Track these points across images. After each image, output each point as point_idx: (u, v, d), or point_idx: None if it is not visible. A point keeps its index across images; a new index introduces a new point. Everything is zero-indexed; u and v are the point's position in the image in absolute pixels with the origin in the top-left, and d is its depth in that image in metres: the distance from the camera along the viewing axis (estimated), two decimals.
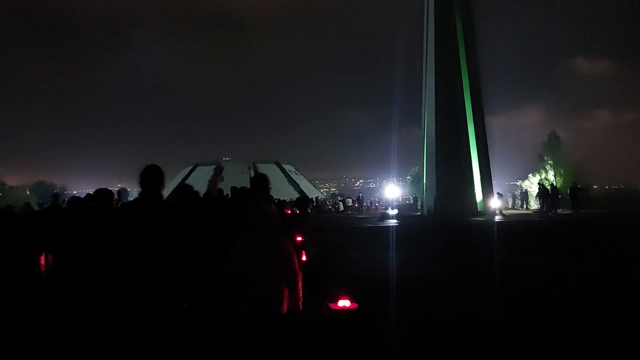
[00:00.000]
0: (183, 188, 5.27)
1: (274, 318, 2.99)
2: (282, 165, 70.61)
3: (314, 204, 37.60)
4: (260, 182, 4.82)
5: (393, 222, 23.48)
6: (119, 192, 6.77)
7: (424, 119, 29.03)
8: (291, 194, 47.83)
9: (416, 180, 64.24)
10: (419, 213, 30.94)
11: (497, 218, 24.56)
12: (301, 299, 3.46)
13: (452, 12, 27.47)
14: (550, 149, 44.98)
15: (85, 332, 2.66)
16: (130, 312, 2.54)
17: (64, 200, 9.79)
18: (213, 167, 72.09)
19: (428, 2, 28.52)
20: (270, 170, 66.32)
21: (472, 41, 27.77)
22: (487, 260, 9.28)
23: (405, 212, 32.76)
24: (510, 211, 32.59)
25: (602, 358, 4.08)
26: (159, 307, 2.62)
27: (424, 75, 29.27)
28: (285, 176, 65.98)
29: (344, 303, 3.65)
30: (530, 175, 46.61)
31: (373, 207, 45.42)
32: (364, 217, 29.62)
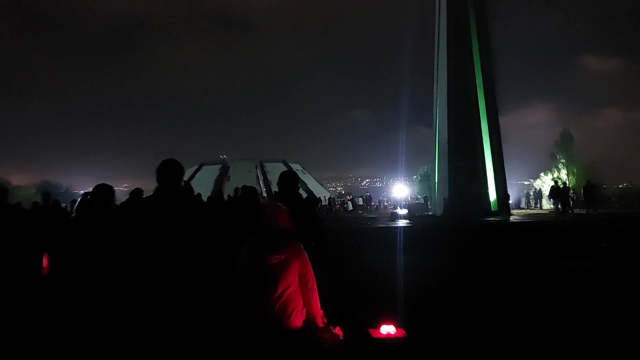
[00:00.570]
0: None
1: (283, 334, 2.75)
2: (290, 164, 69.89)
3: (322, 203, 36.94)
4: (288, 180, 4.32)
5: (405, 222, 22.77)
6: (134, 192, 6.21)
7: (436, 116, 28.28)
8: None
9: (425, 179, 63.61)
10: (430, 213, 30.20)
11: (513, 218, 23.83)
12: (321, 313, 2.99)
13: (465, 6, 26.71)
14: (563, 147, 44.00)
15: (85, 332, 2.59)
16: (131, 312, 2.50)
17: (55, 200, 9.20)
18: (219, 166, 71.52)
19: None
20: (277, 169, 65.74)
21: (486, 36, 27.03)
22: (526, 267, 8.57)
23: (416, 211, 32.03)
24: (523, 211, 31.80)
25: None
26: (160, 307, 2.58)
27: (435, 71, 28.52)
28: None
29: (389, 329, 2.94)
30: (542, 174, 45.74)
31: (382, 207, 44.71)
32: (374, 217, 28.91)
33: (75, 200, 12.65)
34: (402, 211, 30.83)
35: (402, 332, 2.98)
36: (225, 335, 2.76)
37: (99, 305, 2.73)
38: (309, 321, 2.93)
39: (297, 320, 2.87)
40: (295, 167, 70.27)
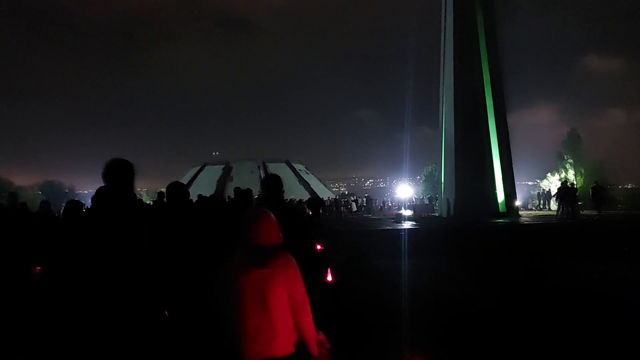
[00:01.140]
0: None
1: None
2: (293, 165, 69.31)
3: (326, 204, 36.39)
4: (270, 183, 4.10)
5: (410, 224, 22.19)
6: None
7: (442, 115, 27.69)
8: (302, 194, 46.68)
9: (429, 180, 62.92)
10: (436, 214, 29.58)
11: (522, 220, 23.23)
12: (316, 338, 2.58)
13: (473, 3, 26.11)
14: (570, 147, 43.26)
15: (85, 332, 2.50)
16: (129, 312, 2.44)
17: (22, 203, 8.75)
18: (222, 166, 71.05)
19: None
20: (280, 170, 65.28)
21: (493, 33, 26.42)
22: (548, 275, 8.00)
23: (421, 212, 31.44)
24: (531, 212, 31.18)
25: None
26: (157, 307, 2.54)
27: (441, 70, 27.93)
28: (296, 176, 64.60)
29: None
30: (549, 174, 45.01)
31: (386, 208, 44.09)
32: (379, 219, 28.34)
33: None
34: (407, 212, 30.24)
35: None
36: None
37: (98, 305, 2.60)
38: (302, 347, 2.51)
39: (286, 345, 2.44)
40: (299, 167, 69.81)
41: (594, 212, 23.50)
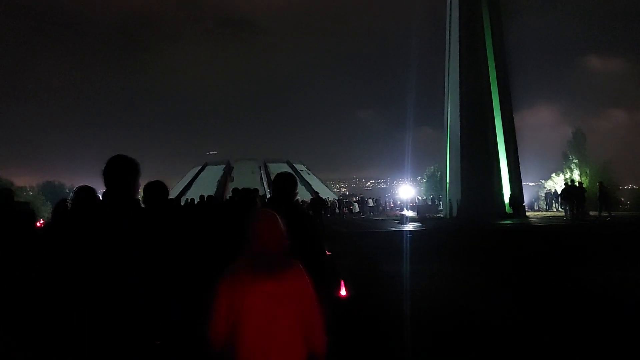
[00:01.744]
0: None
1: None
2: (294, 165, 68.74)
3: (328, 205, 35.86)
4: (282, 182, 3.63)
5: (415, 225, 21.65)
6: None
7: (447, 114, 27.16)
8: (304, 195, 46.14)
9: (431, 180, 62.54)
10: (441, 215, 29.03)
11: (530, 221, 22.68)
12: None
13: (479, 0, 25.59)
14: (575, 147, 42.75)
15: (85, 332, 2.35)
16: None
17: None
18: (223, 166, 70.49)
19: None
20: (281, 170, 64.82)
21: (499, 30, 25.89)
22: (574, 281, 7.47)
23: (425, 213, 30.90)
24: (539, 213, 30.62)
25: None
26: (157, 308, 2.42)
27: (446, 68, 27.39)
28: (297, 176, 63.62)
29: None
30: (553, 174, 44.49)
31: (388, 208, 43.54)
32: (383, 220, 27.79)
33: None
34: (409, 213, 29.65)
35: None
36: None
37: (98, 305, 2.45)
38: None
39: None
40: (300, 167, 69.29)
41: (604, 214, 22.83)
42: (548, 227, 18.79)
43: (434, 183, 61.29)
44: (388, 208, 43.86)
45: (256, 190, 5.34)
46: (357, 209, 37.21)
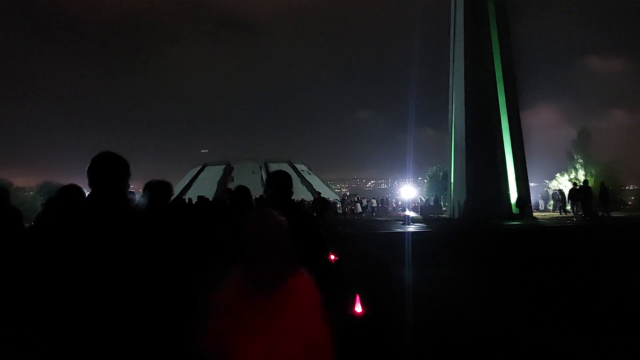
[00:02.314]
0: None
1: None
2: (295, 165, 68.14)
3: (334, 205, 35.32)
4: (276, 181, 3.39)
5: (420, 226, 21.09)
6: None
7: (452, 114, 26.59)
8: (305, 195, 45.63)
9: (433, 180, 61.93)
10: (445, 215, 28.45)
11: (538, 222, 22.12)
12: None
13: None
14: (580, 147, 42.05)
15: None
16: None
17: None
18: (222, 167, 69.87)
19: None
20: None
21: (506, 28, 25.32)
22: (600, 287, 6.91)
23: (429, 213, 30.35)
24: (546, 214, 30.05)
25: None
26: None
27: (451, 66, 26.85)
28: (298, 176, 63.08)
29: None
30: (557, 174, 43.83)
31: (390, 209, 42.97)
32: (386, 220, 27.21)
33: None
34: (412, 213, 29.06)
35: None
36: None
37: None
38: None
39: None
40: (301, 167, 68.69)
41: (599, 213, 22.25)
42: (559, 229, 18.23)
43: (436, 183, 60.84)
44: (390, 208, 43.30)
45: (246, 188, 4.75)
46: (360, 209, 36.62)
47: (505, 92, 24.59)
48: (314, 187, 60.00)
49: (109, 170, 2.23)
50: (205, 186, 53.84)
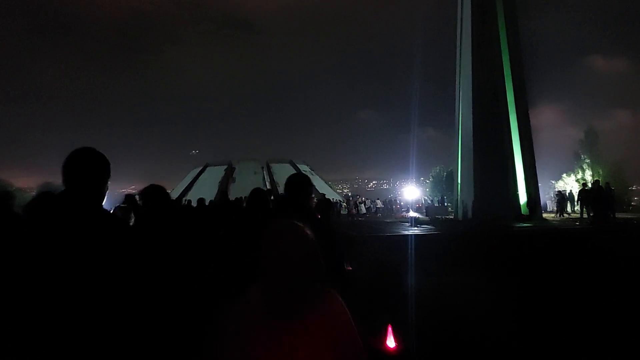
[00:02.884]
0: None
1: None
2: (297, 165, 67.48)
3: (340, 206, 34.71)
4: (294, 187, 3.17)
5: (427, 228, 20.48)
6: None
7: (458, 112, 25.99)
8: None
9: (437, 181, 61.43)
10: (451, 216, 27.82)
11: (548, 224, 21.52)
12: None
13: None
14: (587, 147, 41.50)
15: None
16: None
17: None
18: (224, 167, 69.19)
19: None
20: (284, 170, 63.65)
21: (514, 23, 24.72)
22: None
23: (435, 215, 29.71)
24: (552, 215, 29.41)
25: None
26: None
27: (457, 64, 26.25)
28: None
29: None
30: (564, 175, 43.28)
31: (394, 210, 42.32)
32: (392, 222, 26.58)
33: None
34: (415, 214, 28.40)
35: None
36: None
37: None
38: None
39: None
40: (303, 168, 68.06)
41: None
42: (573, 231, 17.61)
43: (439, 183, 60.29)
44: (394, 209, 42.66)
45: (269, 191, 4.22)
46: (364, 210, 36.00)
47: (513, 90, 23.99)
48: (316, 187, 59.43)
49: (88, 169, 2.01)
50: (207, 187, 53.28)
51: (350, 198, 38.27)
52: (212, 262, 3.55)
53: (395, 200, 44.21)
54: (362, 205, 36.73)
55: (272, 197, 13.79)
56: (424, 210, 35.26)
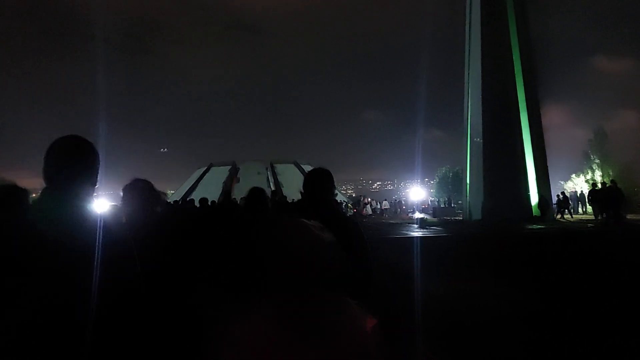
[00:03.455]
0: None
1: None
2: (301, 166, 67.09)
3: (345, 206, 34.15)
4: (310, 182, 2.83)
5: (436, 229, 19.91)
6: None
7: (467, 111, 25.42)
8: None
9: (443, 181, 60.86)
10: (460, 217, 27.24)
11: (560, 225, 20.90)
12: None
13: None
14: (597, 147, 40.81)
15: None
16: None
17: None
18: (228, 167, 68.89)
19: None
20: (288, 171, 63.23)
21: (525, 19, 24.15)
22: None
23: (443, 216, 29.14)
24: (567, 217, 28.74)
25: None
26: None
27: (466, 61, 25.68)
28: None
29: None
30: (573, 175, 42.59)
31: (400, 211, 41.77)
32: (399, 223, 26.00)
33: None
34: (422, 215, 27.82)
35: None
36: None
37: None
38: None
39: None
40: (307, 168, 67.63)
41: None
42: (588, 232, 17.00)
43: (445, 184, 59.75)
44: (400, 210, 42.11)
45: (274, 192, 3.77)
46: (370, 211, 35.47)
47: (524, 86, 23.42)
48: None
49: (76, 161, 1.74)
50: (211, 187, 52.88)
51: (361, 199, 37.67)
52: (211, 262, 3.30)
53: (400, 201, 43.61)
54: (368, 206, 36.20)
55: (277, 198, 13.30)
56: (431, 211, 34.73)
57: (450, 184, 55.87)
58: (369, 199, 40.40)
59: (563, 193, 28.48)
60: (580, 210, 30.27)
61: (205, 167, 72.18)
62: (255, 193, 3.59)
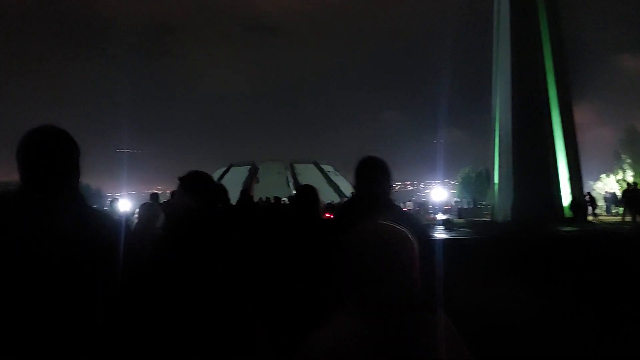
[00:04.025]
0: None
1: None
2: (321, 166, 66.78)
3: None
4: (375, 169, 2.43)
5: (464, 231, 19.23)
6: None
7: (495, 109, 24.62)
8: (332, 196, 44.15)
9: (466, 182, 59.71)
10: (488, 219, 26.41)
11: (593, 227, 20.00)
12: None
13: None
14: (628, 146, 39.39)
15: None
16: None
17: None
18: (248, 167, 69.09)
19: None
20: (308, 171, 62.94)
21: (556, 14, 23.25)
22: None
23: (469, 217, 28.36)
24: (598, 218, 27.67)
25: None
26: None
27: (494, 57, 24.89)
28: (325, 177, 61.56)
29: None
30: (603, 175, 41.22)
31: (422, 212, 40.96)
32: (425, 225, 25.33)
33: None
34: (446, 216, 27.08)
35: None
36: None
37: None
38: None
39: None
40: (327, 168, 67.19)
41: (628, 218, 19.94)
42: (628, 235, 16.13)
43: (468, 185, 58.59)
44: (422, 212, 41.35)
45: (313, 188, 3.32)
46: None
47: (556, 85, 22.52)
48: (341, 188, 58.42)
49: (56, 153, 1.53)
50: (231, 187, 52.92)
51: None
52: (221, 262, 2.90)
53: (425, 202, 42.85)
54: None
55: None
56: (455, 212, 33.91)
57: (474, 185, 54.75)
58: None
59: (589, 193, 27.35)
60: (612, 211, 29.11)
61: (225, 168, 72.46)
62: (306, 191, 3.13)
